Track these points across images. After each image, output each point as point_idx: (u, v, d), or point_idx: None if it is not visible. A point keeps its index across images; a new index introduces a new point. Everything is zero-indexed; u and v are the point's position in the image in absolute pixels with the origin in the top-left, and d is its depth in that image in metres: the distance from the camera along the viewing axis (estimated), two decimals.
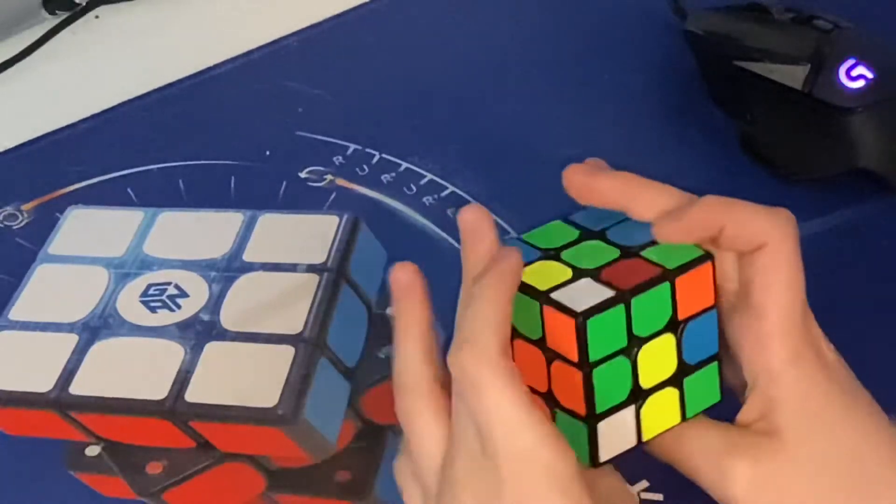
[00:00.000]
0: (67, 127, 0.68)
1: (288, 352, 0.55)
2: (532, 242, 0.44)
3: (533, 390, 0.42)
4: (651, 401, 0.43)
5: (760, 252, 0.43)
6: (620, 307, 0.41)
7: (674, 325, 0.43)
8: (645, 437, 0.43)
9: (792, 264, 0.43)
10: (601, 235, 0.44)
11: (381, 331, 0.57)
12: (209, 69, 0.72)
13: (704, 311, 0.43)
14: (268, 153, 0.66)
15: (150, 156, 0.66)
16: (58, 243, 0.62)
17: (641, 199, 0.44)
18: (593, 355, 0.41)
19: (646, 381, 0.43)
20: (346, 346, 0.56)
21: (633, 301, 0.41)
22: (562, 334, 0.41)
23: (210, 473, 0.53)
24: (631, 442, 0.43)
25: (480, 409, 0.39)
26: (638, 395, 0.43)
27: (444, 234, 0.62)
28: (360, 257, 0.60)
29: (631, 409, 0.43)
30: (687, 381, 0.44)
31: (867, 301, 0.58)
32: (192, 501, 0.52)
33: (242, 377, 0.55)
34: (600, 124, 0.67)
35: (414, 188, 0.64)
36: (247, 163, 0.66)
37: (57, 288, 0.60)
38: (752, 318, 0.43)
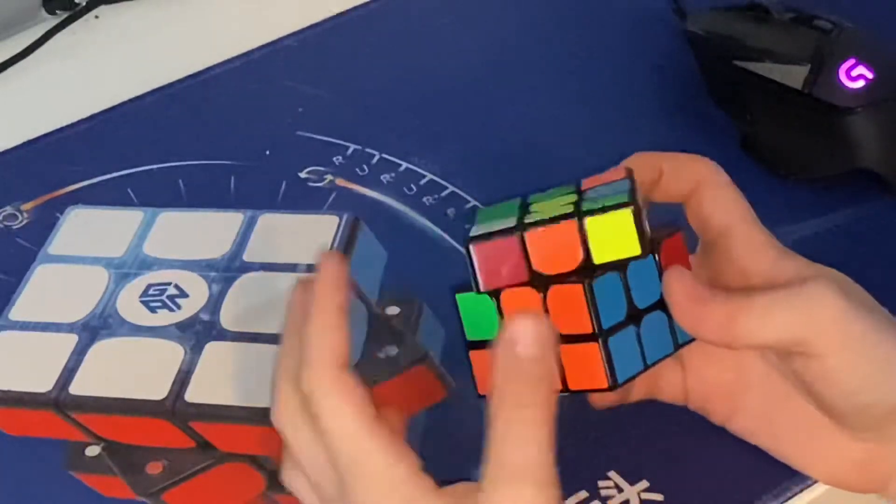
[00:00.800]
0: (67, 127, 0.68)
1: None
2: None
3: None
4: (645, 323, 0.44)
5: (700, 188, 0.46)
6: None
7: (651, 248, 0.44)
8: (649, 361, 0.45)
9: (731, 186, 0.47)
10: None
11: (381, 331, 0.57)
12: (209, 69, 0.72)
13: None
14: (268, 153, 0.66)
15: (150, 156, 0.66)
16: (58, 243, 0.62)
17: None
18: (597, 258, 0.43)
19: (638, 302, 0.44)
20: None
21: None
22: (614, 235, 0.42)
23: (210, 473, 0.53)
24: (639, 365, 0.44)
25: (322, 422, 0.41)
26: (633, 316, 0.44)
27: (444, 234, 0.62)
28: (360, 257, 0.60)
29: (632, 330, 0.44)
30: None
31: None
32: (192, 501, 0.52)
33: (242, 377, 0.55)
34: (600, 124, 0.67)
35: (414, 188, 0.64)
36: (247, 163, 0.66)
37: (57, 288, 0.60)
38: (724, 239, 0.45)
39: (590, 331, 0.43)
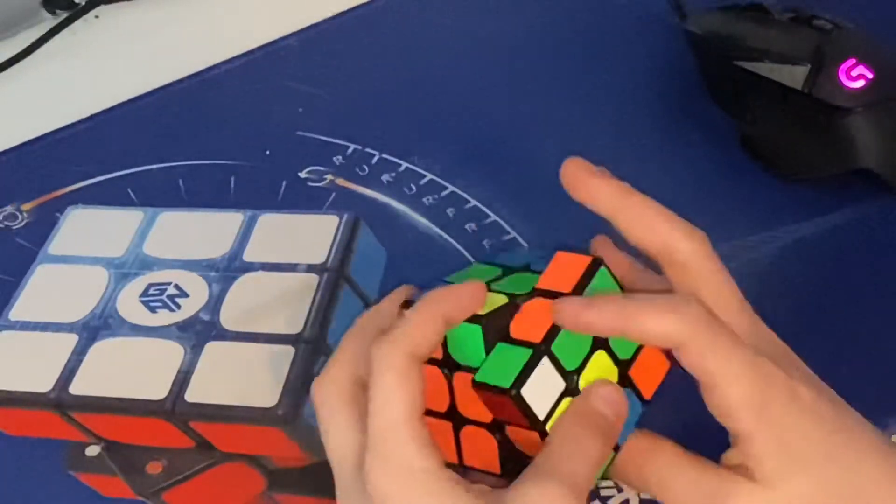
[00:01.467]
0: (67, 127, 0.68)
1: (288, 352, 0.55)
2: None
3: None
4: None
5: (680, 351, 0.42)
6: (545, 360, 0.41)
7: (599, 342, 0.43)
8: None
9: (718, 338, 0.42)
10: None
11: None
12: (209, 69, 0.72)
13: None
14: (268, 153, 0.66)
15: (150, 156, 0.66)
16: (58, 243, 0.62)
17: (627, 218, 0.44)
18: (540, 414, 0.41)
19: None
20: None
21: (553, 348, 0.42)
22: (505, 409, 0.42)
23: (210, 473, 0.53)
24: None
25: (371, 396, 0.41)
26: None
27: (444, 234, 0.62)
28: (360, 257, 0.60)
29: None
30: (630, 374, 0.44)
31: (867, 301, 0.58)
32: (192, 501, 0.52)
33: (242, 377, 0.55)
34: (600, 124, 0.67)
35: (414, 188, 0.64)
36: (247, 163, 0.66)
37: (57, 288, 0.60)
38: (706, 392, 0.43)
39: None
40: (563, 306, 0.42)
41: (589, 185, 0.45)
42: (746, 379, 0.42)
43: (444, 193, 0.64)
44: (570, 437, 0.41)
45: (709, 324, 0.42)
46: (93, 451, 0.53)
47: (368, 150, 0.66)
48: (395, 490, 0.41)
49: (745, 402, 0.42)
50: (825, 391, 0.44)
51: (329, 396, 0.44)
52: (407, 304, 0.44)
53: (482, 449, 0.43)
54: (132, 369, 0.56)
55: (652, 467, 0.44)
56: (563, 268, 0.44)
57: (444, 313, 0.42)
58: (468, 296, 0.43)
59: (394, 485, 0.41)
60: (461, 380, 0.43)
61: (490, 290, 0.43)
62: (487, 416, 0.43)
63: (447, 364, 0.43)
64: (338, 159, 0.65)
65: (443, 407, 0.44)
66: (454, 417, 0.44)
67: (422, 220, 0.62)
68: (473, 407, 0.43)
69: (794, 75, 0.62)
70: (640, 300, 0.42)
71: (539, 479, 0.40)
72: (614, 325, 0.42)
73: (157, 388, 0.54)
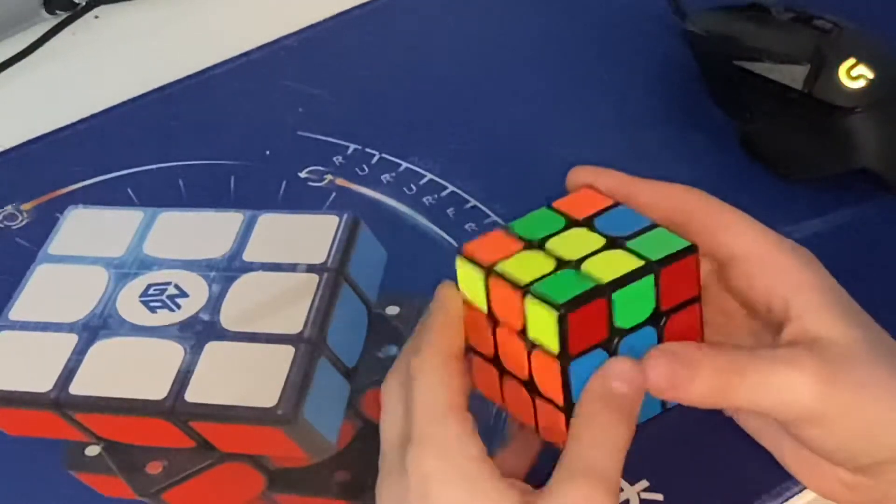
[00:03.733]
0: (67, 127, 0.68)
1: (288, 352, 0.55)
2: (517, 231, 0.44)
3: (513, 377, 0.43)
4: None
5: (694, 217, 0.45)
6: (602, 301, 0.41)
7: (657, 317, 0.43)
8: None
9: (724, 207, 0.46)
10: (588, 223, 0.44)
11: (381, 331, 0.57)
12: (209, 69, 0.72)
13: (688, 301, 0.44)
14: (268, 153, 0.66)
15: (150, 156, 0.66)
16: (58, 243, 0.62)
17: (637, 194, 0.46)
18: (574, 348, 0.41)
19: None
20: (346, 346, 0.56)
21: (615, 295, 0.41)
22: (543, 326, 0.41)
23: (210, 473, 0.53)
24: None
25: (413, 393, 0.42)
26: None
27: (444, 234, 0.62)
28: (360, 257, 0.60)
29: None
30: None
31: (867, 301, 0.58)
32: (192, 501, 0.52)
33: (242, 377, 0.55)
34: (600, 124, 0.67)
35: (414, 188, 0.64)
36: (247, 163, 0.66)
37: (57, 288, 0.60)
38: (745, 266, 0.44)
39: (561, 404, 0.43)
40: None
41: (599, 182, 0.46)
42: (783, 245, 0.45)
43: (444, 193, 0.64)
44: (593, 426, 0.41)
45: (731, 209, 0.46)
46: (93, 450, 0.53)
47: (368, 150, 0.66)
48: (434, 470, 0.41)
49: (784, 257, 0.44)
50: None
51: (391, 387, 0.44)
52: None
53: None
54: (132, 369, 0.56)
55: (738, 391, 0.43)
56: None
57: (456, 312, 0.44)
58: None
59: (434, 465, 0.41)
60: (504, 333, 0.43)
61: (544, 249, 0.43)
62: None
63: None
64: (338, 159, 0.65)
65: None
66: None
67: (422, 220, 0.62)
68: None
69: (794, 75, 0.62)
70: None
71: (574, 479, 0.40)
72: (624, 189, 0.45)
73: (157, 388, 0.54)
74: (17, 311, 0.59)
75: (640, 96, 0.69)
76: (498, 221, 0.62)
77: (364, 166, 0.65)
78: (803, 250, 0.46)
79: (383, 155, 0.66)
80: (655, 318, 0.43)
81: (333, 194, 0.64)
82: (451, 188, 0.64)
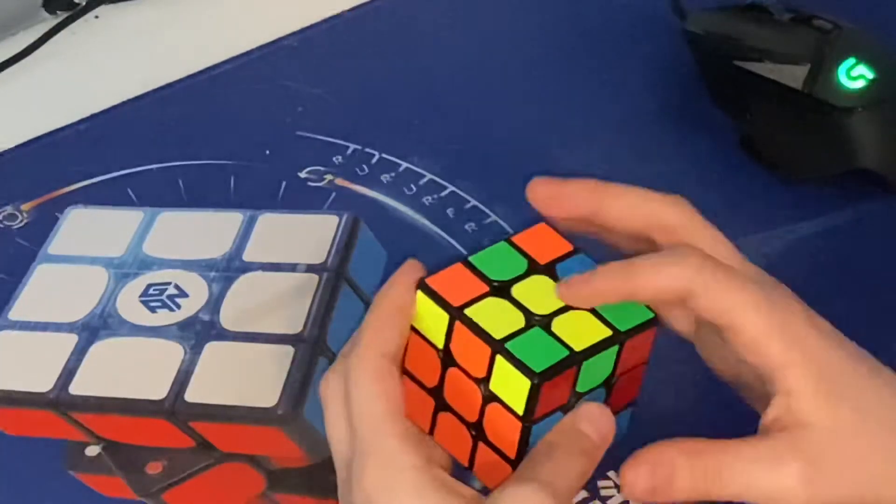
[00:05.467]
0: (67, 127, 0.68)
1: (288, 352, 0.55)
2: (480, 268, 0.44)
3: (455, 414, 0.43)
4: None
5: (691, 299, 0.42)
6: (571, 369, 0.42)
7: (609, 379, 0.43)
8: None
9: (726, 276, 0.42)
10: (550, 271, 0.44)
11: None
12: (209, 69, 0.71)
13: (638, 366, 0.44)
14: (268, 153, 0.66)
15: (150, 156, 0.66)
16: (58, 243, 0.62)
17: (609, 205, 0.44)
18: (539, 412, 0.41)
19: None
20: None
21: (584, 364, 0.42)
22: (511, 387, 0.41)
23: (210, 473, 0.53)
24: None
25: (351, 400, 0.42)
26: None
27: (444, 234, 0.62)
28: (359, 257, 0.60)
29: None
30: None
31: (867, 301, 0.58)
32: (192, 501, 0.52)
33: (242, 377, 0.55)
34: (600, 124, 0.67)
35: (414, 188, 0.64)
36: (247, 163, 0.66)
37: (57, 288, 0.60)
38: (729, 333, 0.42)
39: (512, 458, 0.43)
40: (570, 281, 0.42)
41: (562, 194, 0.45)
42: (765, 307, 0.42)
43: (443, 193, 0.64)
44: (553, 452, 0.41)
45: (713, 266, 0.42)
46: (92, 451, 0.53)
47: (368, 150, 0.66)
48: (376, 482, 0.41)
49: (770, 329, 0.41)
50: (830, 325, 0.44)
51: (333, 388, 0.44)
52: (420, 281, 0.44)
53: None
54: (132, 369, 0.56)
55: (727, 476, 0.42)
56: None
57: (400, 307, 0.43)
58: (411, 280, 0.43)
59: (376, 478, 0.41)
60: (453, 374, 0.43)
61: (511, 297, 0.43)
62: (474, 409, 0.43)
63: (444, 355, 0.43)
64: (338, 159, 0.65)
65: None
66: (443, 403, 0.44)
67: (422, 220, 0.62)
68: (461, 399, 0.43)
69: (794, 75, 0.62)
70: (641, 260, 0.43)
71: (523, 482, 0.40)
72: (621, 288, 0.42)
73: (157, 388, 0.54)
74: (17, 311, 0.59)
75: (640, 96, 0.69)
76: (498, 221, 0.62)
77: (364, 166, 0.65)
78: (791, 301, 0.43)
79: (383, 155, 0.66)
80: (608, 381, 0.43)
81: (333, 194, 0.64)
82: (451, 188, 0.64)
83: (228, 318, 0.57)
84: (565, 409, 0.42)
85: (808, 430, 0.42)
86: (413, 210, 0.63)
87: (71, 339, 0.57)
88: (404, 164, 0.65)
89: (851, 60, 0.61)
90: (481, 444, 0.43)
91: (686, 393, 0.55)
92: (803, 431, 0.42)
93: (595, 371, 0.42)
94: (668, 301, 0.43)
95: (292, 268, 0.59)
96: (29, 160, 0.67)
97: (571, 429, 0.42)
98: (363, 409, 0.42)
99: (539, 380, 0.41)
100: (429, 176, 0.64)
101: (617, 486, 0.51)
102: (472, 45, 0.73)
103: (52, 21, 0.74)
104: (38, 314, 0.58)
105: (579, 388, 0.42)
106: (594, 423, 0.42)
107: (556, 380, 0.41)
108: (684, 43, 0.68)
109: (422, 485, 0.40)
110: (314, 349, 0.55)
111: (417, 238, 0.61)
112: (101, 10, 0.75)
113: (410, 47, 0.73)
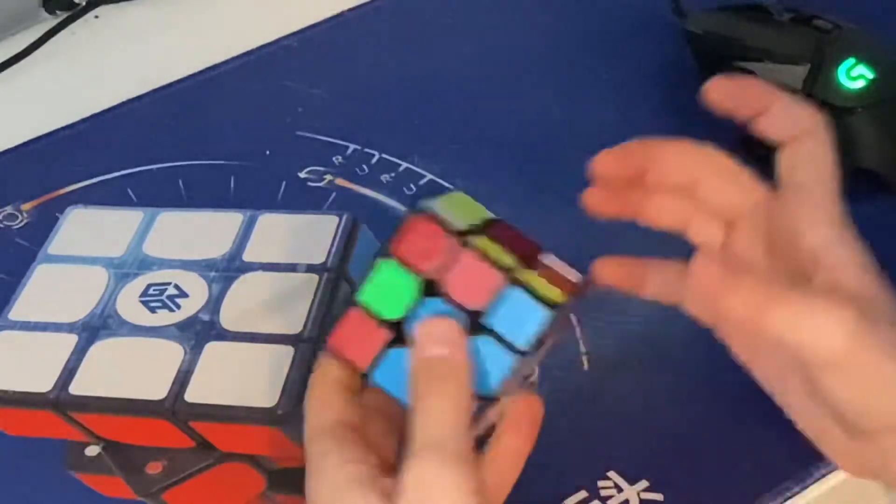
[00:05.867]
0: (67, 127, 0.68)
1: (288, 352, 0.55)
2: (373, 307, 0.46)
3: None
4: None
5: (800, 141, 0.47)
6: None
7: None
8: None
9: (829, 154, 0.47)
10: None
11: None
12: (209, 69, 0.72)
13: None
14: (268, 153, 0.66)
15: (150, 156, 0.66)
16: (57, 243, 0.62)
17: (661, 153, 0.50)
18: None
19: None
20: None
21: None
22: None
23: (210, 473, 0.53)
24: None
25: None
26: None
27: None
28: (360, 257, 0.60)
29: None
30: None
31: None
32: (192, 501, 0.52)
33: (242, 377, 0.55)
34: (600, 124, 0.67)
35: (414, 188, 0.64)
36: (247, 163, 0.66)
37: (57, 288, 0.60)
38: (802, 195, 0.46)
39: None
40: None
41: (619, 154, 0.49)
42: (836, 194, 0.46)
43: (443, 193, 0.64)
44: (421, 400, 0.42)
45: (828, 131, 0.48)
46: (92, 451, 0.53)
47: (368, 150, 0.66)
48: (310, 489, 0.43)
49: (833, 208, 0.46)
50: None
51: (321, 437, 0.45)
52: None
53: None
54: (132, 369, 0.56)
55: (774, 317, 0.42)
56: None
57: (336, 380, 0.45)
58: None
59: (309, 485, 0.43)
60: None
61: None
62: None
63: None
64: (337, 159, 0.65)
65: None
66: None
67: None
68: None
69: (794, 75, 0.62)
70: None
71: (416, 458, 0.41)
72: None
73: (157, 388, 0.54)
74: (17, 311, 0.59)
75: (640, 96, 0.69)
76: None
77: (364, 166, 0.65)
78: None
79: (383, 155, 0.66)
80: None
81: (333, 194, 0.64)
82: (451, 188, 0.64)
83: (228, 318, 0.57)
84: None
85: (859, 298, 0.43)
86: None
87: (71, 340, 0.57)
88: (404, 164, 0.65)
89: (851, 61, 0.61)
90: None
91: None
92: (855, 297, 0.43)
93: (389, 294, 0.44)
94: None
95: (292, 268, 0.59)
96: (29, 160, 0.67)
97: (421, 362, 0.42)
98: (306, 422, 0.44)
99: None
100: (429, 176, 0.64)
101: (617, 487, 0.51)
102: (472, 45, 0.73)
103: (51, 21, 0.74)
104: (38, 314, 0.58)
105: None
106: (437, 339, 0.43)
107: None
108: (684, 43, 0.68)
109: (342, 483, 0.42)
110: (314, 349, 0.55)
111: None
112: (100, 10, 0.75)
113: (410, 47, 0.73)
